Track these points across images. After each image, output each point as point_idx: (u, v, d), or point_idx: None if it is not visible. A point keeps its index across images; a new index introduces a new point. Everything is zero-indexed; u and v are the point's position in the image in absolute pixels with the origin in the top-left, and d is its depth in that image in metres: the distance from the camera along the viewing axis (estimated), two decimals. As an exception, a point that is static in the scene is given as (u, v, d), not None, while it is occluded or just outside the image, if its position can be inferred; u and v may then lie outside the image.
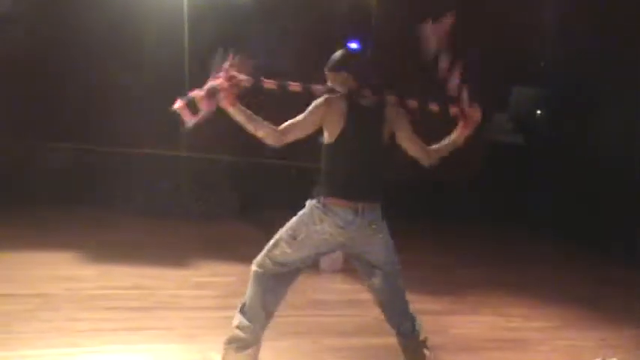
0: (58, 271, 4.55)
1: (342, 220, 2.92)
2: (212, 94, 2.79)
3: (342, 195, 2.93)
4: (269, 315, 3.01)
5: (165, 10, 6.74)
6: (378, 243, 3.05)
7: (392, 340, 3.86)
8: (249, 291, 3.02)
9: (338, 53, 3.04)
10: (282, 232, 3.02)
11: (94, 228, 6.00)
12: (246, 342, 2.96)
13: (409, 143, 3.11)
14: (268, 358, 3.28)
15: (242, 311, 3.00)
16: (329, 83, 3.03)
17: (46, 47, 6.63)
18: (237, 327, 2.98)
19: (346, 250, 3.10)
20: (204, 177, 6.99)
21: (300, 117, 2.92)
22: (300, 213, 3.03)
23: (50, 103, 6.77)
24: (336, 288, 4.96)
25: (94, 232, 5.84)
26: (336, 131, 2.92)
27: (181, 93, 2.86)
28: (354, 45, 7.20)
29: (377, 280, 3.09)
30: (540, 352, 4.04)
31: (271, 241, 3.03)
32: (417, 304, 4.65)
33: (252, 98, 2.94)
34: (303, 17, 7.06)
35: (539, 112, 9.28)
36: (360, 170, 2.98)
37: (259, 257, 3.04)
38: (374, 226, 3.01)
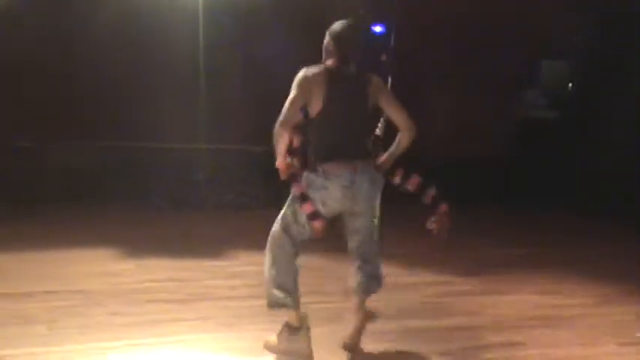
0: (97, 267, 4.63)
1: (345, 179, 3.03)
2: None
3: (338, 157, 3.01)
4: (292, 268, 3.17)
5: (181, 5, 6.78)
6: (370, 205, 3.21)
7: (431, 323, 3.92)
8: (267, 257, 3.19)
9: (339, 25, 3.10)
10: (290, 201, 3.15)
11: (128, 224, 6.07)
12: (278, 299, 3.14)
13: (394, 110, 3.17)
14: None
15: (267, 268, 3.19)
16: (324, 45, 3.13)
17: (65, 44, 6.71)
18: (265, 288, 3.20)
19: (346, 211, 3.20)
20: (237, 169, 7.04)
21: (290, 98, 2.97)
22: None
23: (74, 100, 6.86)
24: (371, 273, 4.97)
25: (128, 227, 5.92)
26: (320, 102, 2.99)
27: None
28: (378, 28, 7.16)
29: (357, 223, 3.25)
30: (584, 328, 4.01)
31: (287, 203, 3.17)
32: (455, 285, 4.72)
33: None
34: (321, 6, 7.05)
35: (570, 85, 9.11)
36: (348, 132, 3.06)
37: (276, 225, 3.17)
38: (374, 185, 3.16)
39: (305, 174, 3.07)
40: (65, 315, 3.68)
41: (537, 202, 7.88)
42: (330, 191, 3.03)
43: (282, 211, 3.17)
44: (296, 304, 3.15)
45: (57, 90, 6.77)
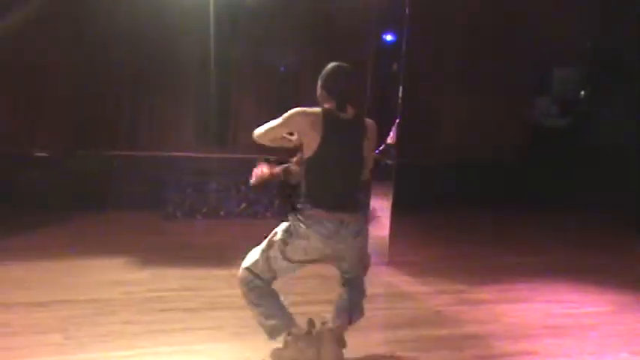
0: (111, 277, 4.65)
1: (327, 230, 2.98)
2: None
3: (326, 207, 2.97)
4: (273, 296, 3.18)
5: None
6: (356, 253, 3.17)
7: (445, 332, 3.91)
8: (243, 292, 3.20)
9: (327, 69, 3.08)
10: (268, 243, 3.14)
11: (140, 232, 6.13)
12: (274, 327, 3.13)
13: (367, 160, 3.15)
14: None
15: (252, 307, 3.19)
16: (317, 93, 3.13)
17: (82, 54, 6.78)
18: (258, 323, 3.20)
19: (330, 260, 3.19)
20: (249, 178, 7.06)
21: (272, 124, 3.04)
22: (285, 225, 3.11)
23: (88, 110, 6.92)
24: (383, 281, 4.96)
25: (141, 236, 5.97)
26: (315, 145, 2.96)
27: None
28: (389, 37, 7.18)
29: (344, 265, 3.25)
30: (597, 337, 3.98)
31: (257, 248, 3.19)
32: (467, 294, 4.70)
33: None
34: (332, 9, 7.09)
35: (582, 92, 9.05)
36: (341, 182, 3.04)
37: (244, 264, 3.19)
38: (359, 237, 3.11)
39: (291, 219, 3.08)
40: (79, 324, 3.70)
41: (549, 209, 7.84)
42: (311, 241, 3.01)
43: (253, 257, 3.18)
44: (289, 323, 3.14)
45: (71, 100, 6.85)
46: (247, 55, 7.20)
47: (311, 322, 3.22)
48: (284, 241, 3.07)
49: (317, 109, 3.01)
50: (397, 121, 5.17)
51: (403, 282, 4.97)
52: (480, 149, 8.04)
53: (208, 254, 5.34)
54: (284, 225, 3.12)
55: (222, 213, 6.89)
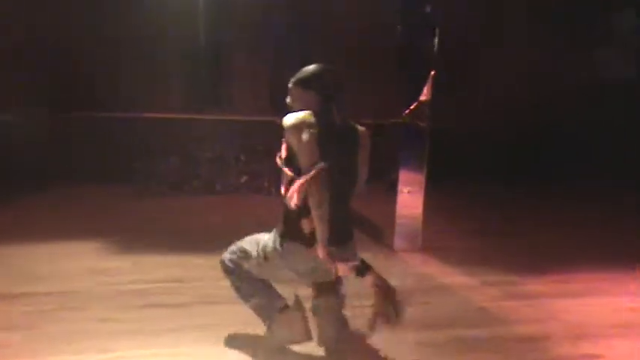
0: (84, 264, 4.68)
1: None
2: None
3: (331, 243, 2.91)
4: (261, 282, 3.33)
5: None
6: None
7: (490, 333, 3.87)
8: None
9: (308, 69, 3.06)
10: (252, 248, 3.25)
11: (120, 211, 6.18)
12: (256, 306, 3.34)
13: (362, 171, 3.16)
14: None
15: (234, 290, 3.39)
16: (289, 99, 3.08)
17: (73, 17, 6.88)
18: (251, 308, 3.37)
19: None
20: (251, 144, 7.03)
21: (302, 152, 2.89)
22: (267, 240, 3.19)
23: (60, 69, 6.97)
24: (416, 272, 4.94)
25: (120, 216, 6.02)
26: (310, 159, 2.87)
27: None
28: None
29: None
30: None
31: (242, 246, 3.33)
32: (517, 286, 4.67)
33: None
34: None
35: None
36: (335, 214, 2.94)
37: (228, 255, 3.38)
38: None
39: (286, 244, 3.06)
40: (46, 321, 3.71)
41: (602, 178, 7.74)
42: (285, 272, 3.14)
43: (245, 246, 3.30)
44: (273, 300, 3.31)
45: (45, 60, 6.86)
46: (247, 14, 7.19)
47: (297, 300, 3.28)
48: (259, 264, 3.21)
49: (308, 115, 2.93)
50: (432, 73, 5.06)
51: (439, 272, 4.93)
52: (525, 110, 7.95)
53: (200, 238, 5.34)
54: (266, 243, 3.20)
55: (217, 187, 6.87)
